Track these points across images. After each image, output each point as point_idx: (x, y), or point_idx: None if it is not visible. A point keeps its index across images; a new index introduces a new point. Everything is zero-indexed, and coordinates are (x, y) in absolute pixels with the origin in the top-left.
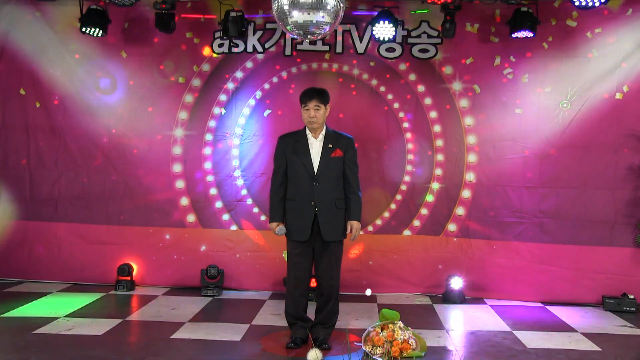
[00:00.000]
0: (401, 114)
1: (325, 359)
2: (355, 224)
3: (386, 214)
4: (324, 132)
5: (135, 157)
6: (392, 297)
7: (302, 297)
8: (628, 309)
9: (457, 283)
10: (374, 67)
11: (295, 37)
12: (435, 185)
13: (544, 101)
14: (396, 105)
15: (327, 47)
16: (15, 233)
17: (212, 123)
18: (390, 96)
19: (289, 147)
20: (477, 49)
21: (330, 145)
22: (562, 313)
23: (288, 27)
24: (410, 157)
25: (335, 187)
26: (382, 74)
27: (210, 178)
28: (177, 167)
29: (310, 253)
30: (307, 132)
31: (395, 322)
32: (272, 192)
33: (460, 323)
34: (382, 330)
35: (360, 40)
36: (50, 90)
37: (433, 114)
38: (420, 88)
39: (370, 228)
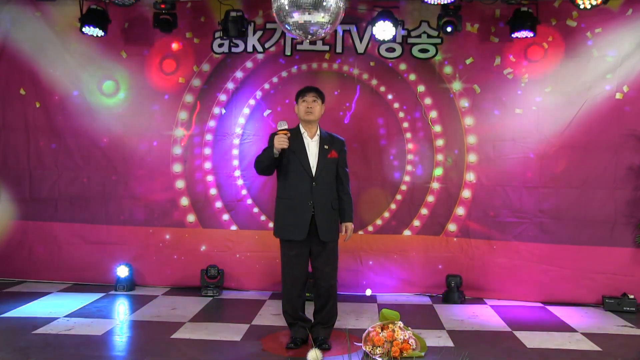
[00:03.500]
0: (401, 114)
1: (325, 359)
2: (349, 225)
3: (386, 214)
4: (319, 133)
5: (135, 157)
6: (392, 297)
7: (298, 297)
8: (628, 309)
9: (457, 283)
10: (374, 67)
11: (295, 37)
12: (435, 185)
13: (544, 101)
14: (396, 105)
15: (327, 47)
16: (15, 233)
17: (212, 123)
18: (390, 96)
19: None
20: (477, 49)
21: (326, 147)
22: (562, 313)
23: (288, 27)
24: (410, 157)
25: (330, 188)
26: (382, 74)
27: (210, 178)
28: (177, 167)
29: (306, 254)
30: (302, 130)
31: (395, 322)
32: (256, 159)
33: (460, 323)
34: (382, 330)
35: (360, 40)
36: (50, 90)
37: (433, 114)
38: (420, 88)
39: (370, 228)
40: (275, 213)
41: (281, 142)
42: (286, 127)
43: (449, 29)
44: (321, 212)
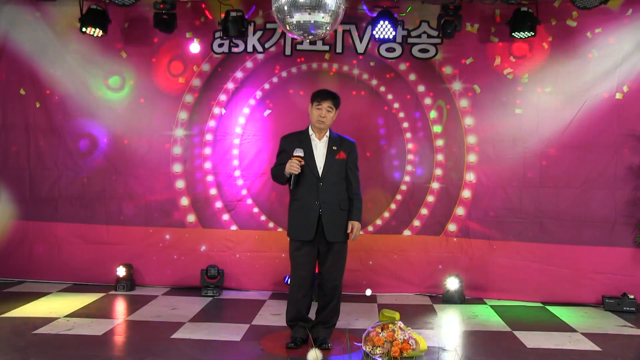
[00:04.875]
0: (401, 114)
1: (325, 359)
2: (356, 224)
3: (386, 214)
4: (328, 134)
5: (135, 157)
6: (392, 297)
7: (305, 297)
8: (628, 309)
9: (457, 283)
10: (374, 67)
11: (295, 37)
12: (435, 185)
13: (544, 101)
14: (396, 105)
15: (327, 47)
16: (15, 233)
17: (212, 123)
18: (390, 96)
19: (294, 146)
20: (477, 49)
21: (334, 148)
22: (562, 313)
23: (288, 27)
24: (410, 157)
25: (338, 189)
26: (382, 74)
27: (210, 178)
28: (177, 167)
29: (314, 254)
30: (311, 132)
31: (395, 322)
32: (272, 170)
33: (460, 323)
34: (382, 330)
35: (360, 40)
36: (50, 90)
37: (433, 114)
38: (420, 88)
39: (370, 228)
40: (288, 214)
41: (292, 168)
42: (301, 154)
43: (448, 29)
44: (328, 213)
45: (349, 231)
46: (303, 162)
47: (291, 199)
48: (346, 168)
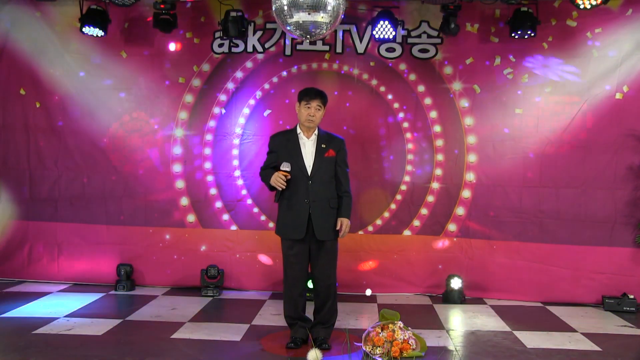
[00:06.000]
0: (401, 114)
1: (325, 359)
2: (345, 221)
3: (386, 214)
4: (316, 132)
5: (135, 157)
6: (392, 297)
7: (300, 297)
8: (628, 309)
9: (457, 283)
10: (374, 67)
11: (295, 37)
12: (435, 185)
13: (544, 101)
14: (396, 105)
15: (327, 47)
16: (15, 233)
17: (212, 123)
18: (390, 96)
19: (282, 146)
20: (477, 49)
21: (323, 146)
22: (562, 313)
23: (288, 27)
24: (410, 157)
25: (328, 187)
26: (382, 74)
27: (210, 178)
28: (177, 167)
29: (306, 253)
30: (299, 131)
31: (395, 322)
32: (261, 172)
33: (460, 323)
34: (382, 330)
35: (360, 40)
36: (50, 90)
37: (433, 114)
38: (420, 88)
39: (370, 228)
40: (277, 212)
41: (277, 183)
42: (288, 169)
43: (448, 29)
44: (318, 211)
45: (337, 228)
46: (290, 177)
47: (281, 197)
48: (335, 166)
